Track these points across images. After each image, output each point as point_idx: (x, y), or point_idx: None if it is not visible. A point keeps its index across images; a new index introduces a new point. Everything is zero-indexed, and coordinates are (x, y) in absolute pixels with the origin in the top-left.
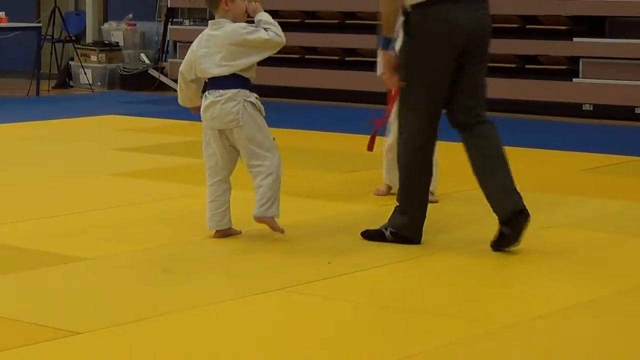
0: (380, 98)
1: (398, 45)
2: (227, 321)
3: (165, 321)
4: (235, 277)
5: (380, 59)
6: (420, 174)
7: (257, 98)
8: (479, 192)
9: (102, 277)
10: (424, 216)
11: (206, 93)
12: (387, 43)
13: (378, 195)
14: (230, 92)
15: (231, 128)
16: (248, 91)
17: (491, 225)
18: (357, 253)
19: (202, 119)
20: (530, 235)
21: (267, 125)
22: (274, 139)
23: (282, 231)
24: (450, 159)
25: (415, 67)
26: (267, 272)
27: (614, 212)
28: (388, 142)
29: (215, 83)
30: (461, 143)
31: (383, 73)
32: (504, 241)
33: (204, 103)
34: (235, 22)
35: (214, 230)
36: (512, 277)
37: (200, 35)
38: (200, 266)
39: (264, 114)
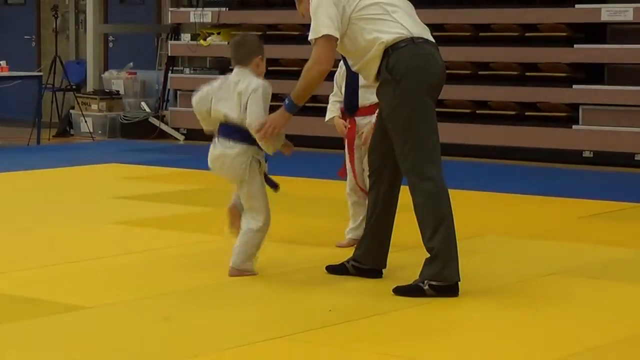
0: None
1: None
2: None
3: None
4: (237, 325)
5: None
6: (452, 219)
7: (263, 157)
8: (472, 241)
9: (102, 326)
10: (457, 261)
11: (216, 140)
12: (292, 107)
13: (341, 246)
14: (240, 147)
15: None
16: (257, 148)
17: (486, 275)
18: (358, 300)
19: (209, 163)
20: (531, 283)
21: (264, 185)
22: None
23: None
24: None
25: (418, 108)
26: (269, 320)
27: (615, 259)
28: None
29: (227, 132)
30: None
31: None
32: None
33: (214, 151)
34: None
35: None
36: (512, 325)
37: (224, 78)
38: (201, 314)
39: (266, 171)
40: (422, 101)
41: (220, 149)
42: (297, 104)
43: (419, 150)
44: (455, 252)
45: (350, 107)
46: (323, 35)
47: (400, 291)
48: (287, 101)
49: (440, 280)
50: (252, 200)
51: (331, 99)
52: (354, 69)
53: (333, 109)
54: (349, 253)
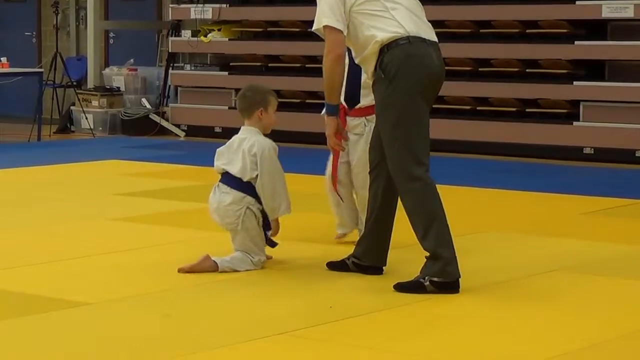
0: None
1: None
2: None
3: None
4: (237, 321)
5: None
6: (445, 216)
7: (258, 208)
8: (473, 237)
9: (103, 322)
10: (455, 257)
11: (216, 186)
12: (331, 109)
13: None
14: (235, 195)
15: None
16: (254, 200)
17: (487, 272)
18: (358, 297)
19: (209, 206)
20: (532, 279)
21: (261, 235)
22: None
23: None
24: None
25: (408, 108)
26: (268, 316)
27: (616, 256)
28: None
29: (227, 179)
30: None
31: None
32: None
33: (212, 196)
34: (264, 132)
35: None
36: (513, 321)
37: (233, 138)
38: (201, 311)
39: (260, 223)
40: (413, 102)
41: (217, 195)
42: (331, 103)
43: (407, 150)
44: (453, 249)
45: (351, 99)
46: (325, 27)
47: (401, 287)
48: (325, 107)
49: (441, 276)
50: (247, 243)
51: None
52: (356, 61)
53: None
54: (349, 249)
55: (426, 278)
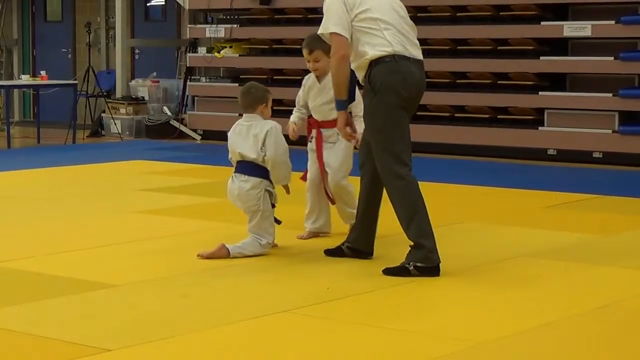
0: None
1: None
2: (240, 339)
3: (184, 340)
4: (245, 300)
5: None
6: (425, 210)
7: (274, 188)
8: (450, 227)
9: (129, 301)
10: (435, 246)
11: (233, 176)
12: (341, 104)
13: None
14: (254, 181)
15: (250, 212)
16: (268, 181)
17: (462, 258)
18: (352, 280)
19: (228, 194)
20: (500, 265)
21: (272, 217)
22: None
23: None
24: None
25: (390, 117)
26: (274, 296)
27: (574, 243)
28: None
29: (243, 168)
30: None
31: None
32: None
33: (232, 185)
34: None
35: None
36: (486, 301)
37: (236, 124)
38: (215, 291)
39: (276, 203)
40: (394, 111)
41: (237, 183)
42: (340, 98)
43: (390, 153)
44: (433, 239)
45: (348, 100)
46: (331, 33)
47: (389, 272)
48: (336, 103)
49: (424, 262)
50: (263, 223)
51: (295, 110)
52: (352, 66)
53: (294, 116)
54: (342, 238)
55: (411, 264)
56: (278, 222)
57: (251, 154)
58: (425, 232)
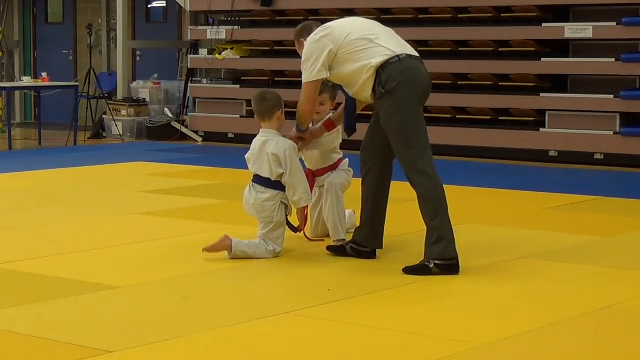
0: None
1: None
2: (242, 341)
3: (186, 342)
4: (247, 302)
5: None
6: (447, 208)
7: (288, 201)
8: (454, 229)
9: (131, 303)
10: (454, 240)
11: (251, 185)
12: (299, 130)
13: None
14: (271, 193)
15: (265, 222)
16: (284, 193)
17: (465, 259)
18: (353, 281)
19: (244, 203)
20: (501, 266)
21: (284, 229)
22: None
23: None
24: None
25: (409, 114)
26: (275, 298)
27: (576, 245)
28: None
29: (259, 180)
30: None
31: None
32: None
33: (248, 195)
34: (280, 131)
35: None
36: (486, 302)
37: (255, 140)
38: (216, 293)
39: (290, 214)
40: (413, 107)
41: (253, 194)
42: (302, 128)
43: (413, 149)
44: (453, 234)
45: (350, 128)
46: (308, 82)
47: (409, 270)
48: (296, 127)
49: (443, 259)
50: (274, 233)
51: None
52: (350, 94)
53: None
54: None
55: (431, 261)
56: (294, 229)
57: (265, 174)
58: (449, 228)
